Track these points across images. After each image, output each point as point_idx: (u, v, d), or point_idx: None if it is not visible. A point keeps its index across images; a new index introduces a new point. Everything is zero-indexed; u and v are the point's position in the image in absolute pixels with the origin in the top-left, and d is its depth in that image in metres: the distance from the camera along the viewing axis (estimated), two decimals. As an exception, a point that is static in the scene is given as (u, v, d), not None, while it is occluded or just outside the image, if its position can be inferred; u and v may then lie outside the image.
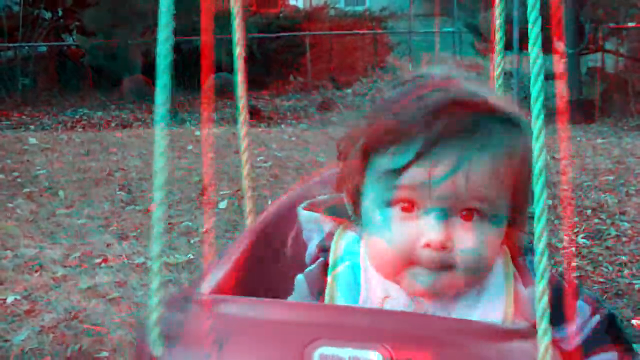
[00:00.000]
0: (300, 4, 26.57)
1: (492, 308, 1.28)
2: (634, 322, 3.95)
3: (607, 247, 5.26)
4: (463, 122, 1.21)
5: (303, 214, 1.48)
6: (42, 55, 18.88)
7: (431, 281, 1.23)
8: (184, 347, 1.15)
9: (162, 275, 1.17)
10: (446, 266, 1.23)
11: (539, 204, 1.05)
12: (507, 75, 18.15)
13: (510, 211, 1.28)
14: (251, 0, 21.33)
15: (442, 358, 1.06)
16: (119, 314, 4.18)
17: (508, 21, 14.19)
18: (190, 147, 10.93)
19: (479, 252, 1.24)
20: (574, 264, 4.93)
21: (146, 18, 17.00)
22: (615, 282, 4.59)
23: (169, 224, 6.13)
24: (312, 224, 1.45)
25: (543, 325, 1.04)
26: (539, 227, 1.04)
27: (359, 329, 1.09)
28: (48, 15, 19.31)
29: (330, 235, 1.40)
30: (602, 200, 6.64)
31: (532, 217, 1.06)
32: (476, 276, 1.27)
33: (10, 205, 6.84)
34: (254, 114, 14.69)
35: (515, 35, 12.89)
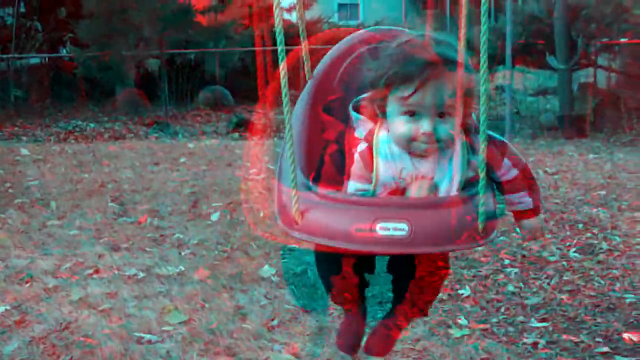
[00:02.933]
0: (294, 18, 26.62)
1: (458, 168, 2.25)
2: (625, 335, 3.96)
3: (599, 262, 5.27)
4: (439, 70, 2.18)
5: (354, 113, 2.40)
6: (35, 67, 18.86)
7: (425, 148, 2.24)
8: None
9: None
10: (432, 141, 2.22)
11: (483, 97, 2.03)
12: (499, 89, 18.19)
13: (463, 109, 2.21)
14: (245, 14, 21.36)
15: (428, 219, 2.06)
16: (110, 326, 4.16)
17: (501, 38, 14.23)
18: (182, 159, 10.93)
19: (448, 133, 2.23)
20: (565, 278, 4.93)
21: (139, 30, 17.03)
22: (606, 296, 4.59)
23: (161, 235, 6.12)
24: (361, 121, 2.37)
25: (482, 176, 2.07)
26: (483, 109, 2.03)
27: (394, 212, 2.07)
28: (41, 27, 19.30)
29: (371, 131, 2.33)
30: (594, 215, 6.66)
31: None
32: (448, 144, 2.25)
33: (1, 215, 6.82)
34: (248, 126, 14.71)
35: (508, 51, 12.94)
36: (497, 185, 2.43)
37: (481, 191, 2.08)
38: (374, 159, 2.30)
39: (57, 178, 9.05)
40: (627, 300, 4.50)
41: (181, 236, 6.08)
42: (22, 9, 19.08)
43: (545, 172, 9.37)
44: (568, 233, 6.04)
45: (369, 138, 2.34)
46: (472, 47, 2.23)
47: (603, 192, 7.77)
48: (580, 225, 6.27)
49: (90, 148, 12.51)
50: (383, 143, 2.30)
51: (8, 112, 16.61)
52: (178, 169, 9.96)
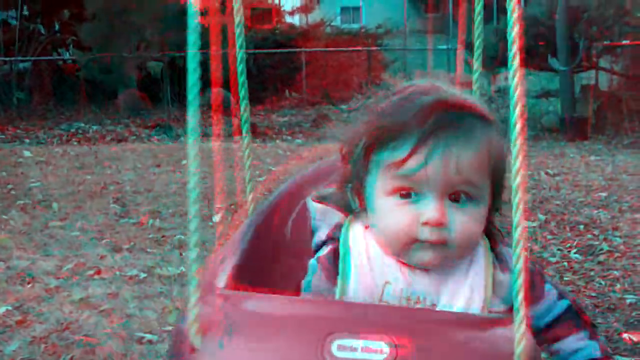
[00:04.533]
0: (296, 21, 26.67)
1: (476, 289, 1.50)
2: (625, 336, 3.96)
3: (600, 262, 5.27)
4: (449, 118, 1.44)
5: (312, 205, 1.67)
6: (38, 69, 18.89)
7: (430, 254, 1.46)
8: (215, 339, 1.29)
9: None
10: (441, 240, 1.45)
11: (515, 196, 1.21)
12: (501, 92, 18.20)
13: (490, 195, 1.51)
14: (247, 16, 21.39)
15: (433, 343, 1.26)
16: (111, 326, 4.17)
17: (503, 39, 14.23)
18: (184, 161, 10.93)
19: (468, 227, 1.46)
20: (566, 279, 4.94)
21: (142, 33, 17.05)
22: (607, 296, 4.59)
23: (162, 236, 6.13)
24: (322, 214, 1.64)
25: (520, 313, 1.22)
26: (516, 218, 1.22)
27: (367, 322, 1.28)
28: (44, 29, 19.34)
29: (338, 225, 1.60)
30: (595, 216, 6.66)
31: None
32: (465, 251, 1.50)
33: (4, 217, 6.84)
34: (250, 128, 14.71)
35: (510, 53, 12.94)
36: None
37: (516, 315, 1.23)
38: (341, 269, 1.53)
39: (59, 180, 9.06)
40: (628, 301, 4.50)
41: (182, 237, 6.09)
42: (25, 12, 19.11)
43: (547, 173, 9.37)
44: (569, 234, 6.04)
45: (334, 235, 1.60)
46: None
47: (604, 194, 7.77)
48: (581, 227, 6.27)
49: (93, 150, 12.54)
50: (357, 244, 1.55)
51: (11, 114, 16.64)
52: (180, 170, 9.97)
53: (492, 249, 1.56)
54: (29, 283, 4.94)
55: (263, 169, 9.55)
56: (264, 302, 1.38)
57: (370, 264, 1.52)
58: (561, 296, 1.60)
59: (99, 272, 5.17)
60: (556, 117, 14.92)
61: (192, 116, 1.28)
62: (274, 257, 1.88)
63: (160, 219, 6.76)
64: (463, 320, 1.35)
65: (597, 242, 5.76)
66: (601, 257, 5.39)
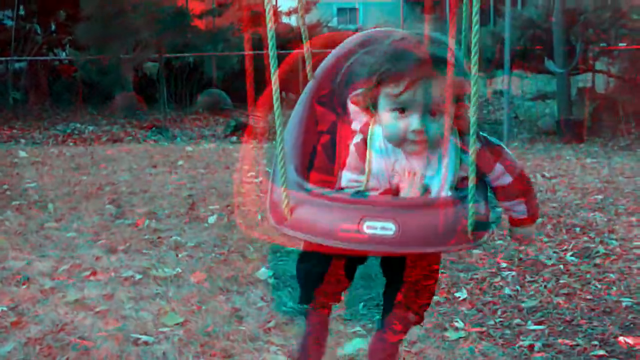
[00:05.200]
0: (293, 22, 26.64)
1: (449, 167, 2.26)
2: (621, 339, 3.96)
3: (595, 265, 5.28)
4: (428, 68, 2.18)
5: (350, 105, 2.42)
6: (34, 70, 18.87)
7: (416, 148, 2.25)
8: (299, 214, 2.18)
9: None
10: (422, 140, 2.23)
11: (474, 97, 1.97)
12: (497, 94, 18.17)
13: (455, 113, 2.25)
14: (242, 18, 21.34)
15: (416, 221, 2.05)
16: (106, 327, 4.16)
17: (500, 42, 14.25)
18: (180, 162, 10.93)
19: (438, 131, 2.23)
20: (561, 282, 4.94)
21: (138, 34, 17.04)
22: (603, 299, 4.59)
23: (158, 238, 6.12)
24: (356, 113, 2.39)
25: (471, 176, 2.04)
26: (473, 110, 1.98)
27: (381, 212, 2.07)
28: (41, 29, 19.31)
29: (366, 124, 2.35)
30: (591, 219, 6.66)
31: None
32: (438, 143, 2.25)
33: (-1, 218, 6.83)
34: (246, 130, 14.72)
35: (506, 56, 12.94)
36: (491, 190, 2.41)
37: (470, 192, 2.06)
38: (368, 152, 2.31)
39: (55, 180, 9.05)
40: (624, 304, 4.50)
41: (178, 238, 6.08)
42: (22, 12, 19.09)
43: (543, 176, 9.38)
44: (565, 237, 6.04)
45: (364, 130, 2.35)
46: (467, 50, 2.23)
47: (600, 197, 7.78)
48: (577, 229, 6.28)
49: (88, 151, 12.52)
50: (377, 137, 2.31)
51: (6, 115, 16.62)
52: (176, 172, 9.97)
53: (461, 138, 2.27)
54: (24, 284, 4.92)
55: (259, 170, 9.54)
56: (330, 193, 2.19)
57: (386, 149, 2.30)
58: (508, 172, 2.38)
59: (94, 273, 5.16)
60: (552, 120, 14.94)
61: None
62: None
63: (156, 220, 6.75)
64: (431, 203, 2.15)
65: (593, 245, 5.77)
66: (597, 260, 5.39)
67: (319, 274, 2.64)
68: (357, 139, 2.37)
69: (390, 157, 2.30)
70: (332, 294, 2.74)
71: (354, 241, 2.06)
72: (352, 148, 2.37)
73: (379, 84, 2.27)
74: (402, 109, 2.23)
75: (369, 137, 2.33)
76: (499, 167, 2.38)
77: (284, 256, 5.42)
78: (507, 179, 2.39)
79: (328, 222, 2.11)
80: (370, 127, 2.35)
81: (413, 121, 2.21)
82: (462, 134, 2.29)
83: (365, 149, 2.32)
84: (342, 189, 2.34)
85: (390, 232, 2.04)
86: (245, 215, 6.93)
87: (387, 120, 2.27)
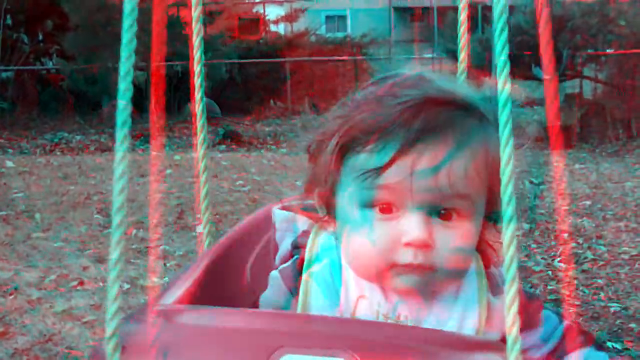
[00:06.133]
0: (281, 30, 26.69)
1: (467, 315, 1.26)
2: (609, 344, 3.97)
3: (584, 271, 5.29)
4: (441, 118, 1.19)
5: (277, 213, 1.46)
6: (21, 79, 18.81)
7: (412, 281, 1.21)
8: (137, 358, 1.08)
9: (120, 286, 1.08)
10: (427, 265, 1.20)
11: (508, 211, 0.99)
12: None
13: (487, 210, 1.26)
14: (233, 26, 21.43)
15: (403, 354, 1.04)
16: (94, 337, 4.14)
17: (488, 48, 14.30)
18: (169, 171, 10.91)
19: (459, 251, 1.21)
20: (550, 287, 4.94)
21: (126, 42, 17.00)
22: (591, 305, 4.60)
23: (146, 247, 6.11)
24: (286, 223, 1.43)
25: (513, 333, 0.97)
26: (508, 235, 0.98)
27: (324, 336, 1.06)
28: (28, 39, 19.26)
29: (306, 233, 1.37)
30: (579, 225, 6.68)
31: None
32: (455, 276, 1.26)
33: (-14, 228, 6.80)
34: (234, 138, 14.71)
35: (495, 62, 12.98)
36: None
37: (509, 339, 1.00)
38: (304, 286, 1.30)
39: (43, 190, 9.01)
40: (612, 309, 4.51)
41: (167, 248, 6.07)
42: (9, 21, 19.03)
43: (531, 182, 9.39)
44: (553, 243, 6.06)
45: (300, 244, 1.38)
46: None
47: (588, 202, 7.80)
48: (566, 235, 6.29)
49: (76, 160, 12.48)
50: (327, 252, 1.33)
51: (-6, 124, 16.56)
52: (164, 180, 9.94)
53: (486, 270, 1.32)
54: (11, 294, 4.90)
55: (247, 179, 9.53)
56: (205, 315, 1.18)
57: (342, 275, 1.28)
58: (561, 320, 1.37)
59: (82, 283, 5.14)
60: (541, 126, 14.98)
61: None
62: (235, 279, 1.55)
63: (144, 230, 6.73)
64: (448, 340, 1.10)
65: (581, 251, 5.78)
66: (585, 266, 5.40)
67: None
68: (286, 264, 1.37)
69: (350, 288, 1.28)
70: None
71: None
72: (273, 276, 1.37)
73: (343, 151, 1.25)
74: (387, 205, 1.21)
75: (306, 253, 1.33)
76: (551, 316, 1.38)
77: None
78: (564, 328, 1.38)
79: None
80: (312, 235, 1.36)
81: (409, 225, 1.19)
82: (486, 261, 1.34)
83: (299, 277, 1.32)
84: None
85: None
86: (231, 226, 6.90)
87: (357, 228, 1.24)
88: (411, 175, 1.17)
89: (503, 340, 1.00)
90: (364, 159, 1.20)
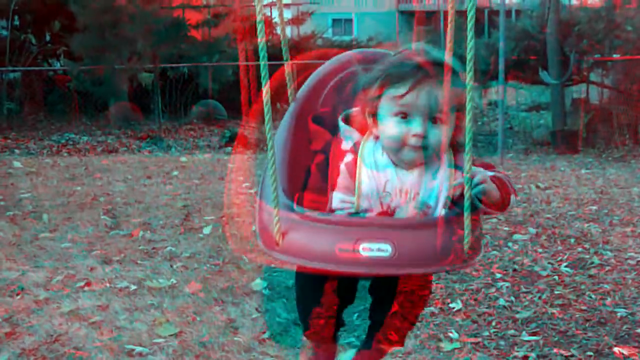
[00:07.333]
0: (288, 33, 26.68)
1: (442, 183, 2.29)
2: (616, 349, 3.96)
3: (590, 276, 5.28)
4: (431, 72, 2.24)
5: (341, 125, 2.43)
6: (29, 80, 18.85)
7: (414, 154, 2.28)
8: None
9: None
10: (422, 146, 2.26)
11: (469, 120, 2.04)
12: (492, 105, 18.20)
13: (454, 122, 2.30)
14: (245, 29, 21.38)
15: (412, 238, 2.09)
16: (101, 338, 4.15)
17: (494, 53, 14.29)
18: (175, 172, 10.93)
19: (439, 139, 2.27)
20: (556, 292, 4.94)
21: (133, 44, 17.04)
22: (597, 310, 4.60)
23: (153, 248, 6.12)
24: (348, 132, 2.40)
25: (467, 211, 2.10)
26: (468, 145, 2.05)
27: (377, 233, 2.08)
28: (35, 40, 19.31)
29: (358, 143, 2.36)
30: (586, 230, 6.67)
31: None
32: (436, 153, 2.29)
33: (-7, 228, 6.82)
34: (241, 140, 14.73)
35: (501, 66, 12.98)
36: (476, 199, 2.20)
37: (466, 211, 2.09)
38: (358, 171, 2.32)
39: (50, 191, 9.04)
40: (618, 315, 4.51)
41: (173, 249, 6.08)
42: (16, 22, 19.09)
43: (538, 187, 9.39)
44: (560, 247, 6.05)
45: (355, 149, 2.36)
46: (462, 61, 2.19)
47: (595, 207, 7.79)
48: (572, 240, 6.28)
49: (83, 161, 12.51)
50: (369, 152, 2.34)
51: (1, 125, 16.59)
52: (170, 182, 9.96)
53: (455, 153, 2.32)
54: (18, 295, 4.91)
55: (254, 181, 9.54)
56: (323, 216, 2.19)
57: (377, 167, 2.32)
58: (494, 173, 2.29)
59: (89, 284, 5.15)
60: (547, 131, 14.98)
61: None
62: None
63: (151, 231, 6.75)
64: (427, 223, 2.18)
65: (587, 256, 5.77)
66: (592, 271, 5.40)
67: (314, 297, 2.61)
68: (348, 158, 2.36)
69: (381, 174, 2.31)
70: (328, 317, 2.70)
71: (350, 263, 2.06)
72: (342, 168, 2.36)
73: (381, 87, 2.30)
74: (404, 114, 2.25)
75: (359, 154, 2.34)
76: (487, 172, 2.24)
77: (279, 268, 5.41)
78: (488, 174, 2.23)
79: (323, 245, 2.10)
80: (361, 144, 2.37)
81: (415, 125, 2.23)
82: (456, 150, 2.34)
83: (356, 168, 2.32)
84: (332, 210, 2.33)
85: (387, 254, 2.05)
86: (239, 228, 6.91)
87: (387, 125, 2.28)
88: (417, 100, 2.24)
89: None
90: (393, 90, 2.28)
